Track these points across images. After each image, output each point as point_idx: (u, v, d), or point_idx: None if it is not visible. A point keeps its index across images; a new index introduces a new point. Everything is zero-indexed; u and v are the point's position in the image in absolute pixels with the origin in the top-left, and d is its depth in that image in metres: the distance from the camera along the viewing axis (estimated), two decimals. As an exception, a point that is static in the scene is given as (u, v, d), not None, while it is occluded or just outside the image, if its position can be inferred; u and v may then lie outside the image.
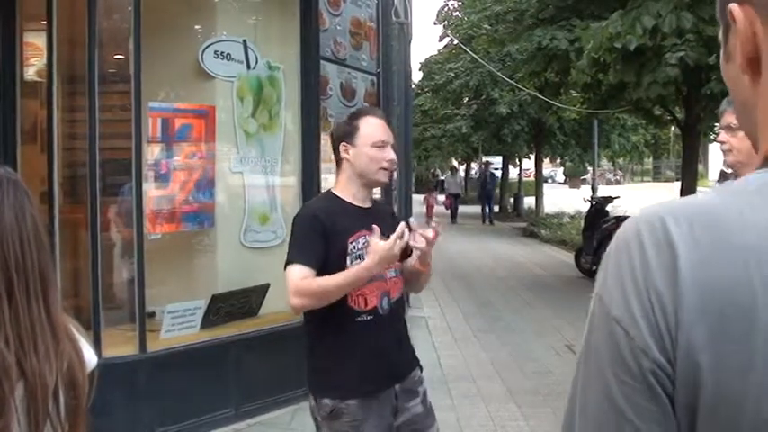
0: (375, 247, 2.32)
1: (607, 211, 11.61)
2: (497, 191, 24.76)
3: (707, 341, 0.59)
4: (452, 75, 21.03)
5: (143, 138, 4.47)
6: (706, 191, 0.74)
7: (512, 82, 16.82)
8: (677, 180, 15.87)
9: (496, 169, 25.61)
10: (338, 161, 2.56)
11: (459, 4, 24.83)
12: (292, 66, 5.37)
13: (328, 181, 5.49)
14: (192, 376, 4.51)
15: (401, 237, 2.34)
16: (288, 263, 2.40)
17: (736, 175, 2.37)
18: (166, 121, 4.72)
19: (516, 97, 19.56)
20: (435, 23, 25.96)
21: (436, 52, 26.54)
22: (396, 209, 6.85)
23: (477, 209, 23.69)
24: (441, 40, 26.31)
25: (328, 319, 2.43)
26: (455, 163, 31.61)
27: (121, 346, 4.39)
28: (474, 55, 18.10)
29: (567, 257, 13.22)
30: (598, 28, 8.63)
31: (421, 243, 2.46)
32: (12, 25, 4.33)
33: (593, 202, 12.09)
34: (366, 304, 2.44)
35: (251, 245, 5.17)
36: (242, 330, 4.91)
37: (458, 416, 4.97)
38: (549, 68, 12.80)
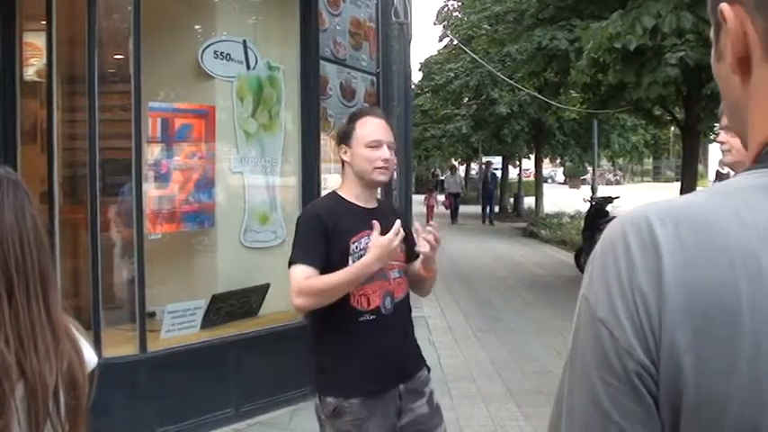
0: (375, 242, 2.35)
1: (607, 212, 11.61)
2: (497, 191, 24.77)
3: (690, 343, 0.58)
4: (452, 75, 21.03)
5: (143, 138, 4.47)
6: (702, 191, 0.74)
7: (512, 82, 16.82)
8: (677, 180, 15.88)
9: (497, 169, 25.61)
10: (342, 162, 2.59)
11: (459, 4, 24.84)
12: (292, 66, 5.38)
13: (328, 181, 5.50)
14: (192, 376, 4.51)
15: (397, 233, 2.36)
16: (291, 263, 2.42)
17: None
18: (166, 121, 4.72)
19: (516, 97, 19.56)
20: (435, 23, 26.02)
21: (436, 52, 26.56)
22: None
23: (477, 209, 23.70)
24: (440, 40, 26.40)
25: (331, 318, 2.44)
26: (455, 163, 31.60)
27: (121, 346, 4.39)
28: (474, 55, 18.11)
29: (567, 257, 13.22)
30: (598, 28, 8.62)
31: (425, 247, 2.48)
32: (12, 25, 4.33)
33: (593, 203, 12.09)
34: (369, 304, 2.44)
35: (251, 245, 5.17)
36: (242, 330, 4.91)
37: (458, 416, 4.97)
38: (549, 68, 12.81)
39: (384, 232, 2.37)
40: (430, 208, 21.42)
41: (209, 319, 4.76)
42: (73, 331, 1.41)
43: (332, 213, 2.48)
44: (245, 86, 5.11)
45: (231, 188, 5.15)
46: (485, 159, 26.31)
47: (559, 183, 45.68)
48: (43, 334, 1.32)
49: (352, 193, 2.54)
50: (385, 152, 2.50)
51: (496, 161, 27.14)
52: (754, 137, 0.68)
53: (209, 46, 4.92)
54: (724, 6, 0.67)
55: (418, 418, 2.52)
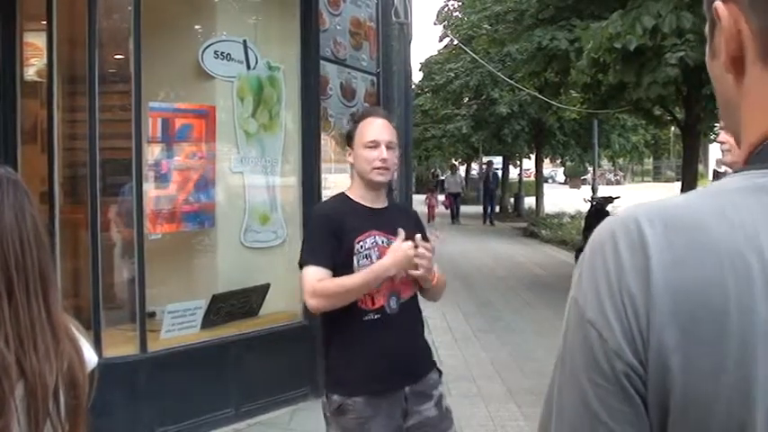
0: (395, 246, 2.40)
1: (607, 212, 11.59)
2: (498, 191, 24.77)
3: (678, 343, 0.58)
4: (452, 75, 21.04)
5: (143, 138, 4.46)
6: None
7: (512, 82, 16.82)
8: (677, 180, 15.88)
9: (498, 169, 25.62)
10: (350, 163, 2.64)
11: (459, 4, 24.83)
12: (292, 66, 5.37)
13: (328, 181, 5.50)
14: (192, 376, 4.51)
15: (416, 246, 2.41)
16: (303, 264, 2.44)
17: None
18: (166, 121, 4.72)
19: (516, 97, 19.57)
20: (435, 23, 26.01)
21: (436, 52, 26.56)
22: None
23: (477, 209, 23.69)
24: (441, 40, 26.38)
25: (337, 317, 2.45)
26: (455, 163, 31.59)
27: (122, 346, 4.39)
28: (474, 55, 18.10)
29: (568, 257, 13.22)
30: (598, 28, 8.62)
31: (422, 261, 2.46)
32: (12, 25, 4.33)
33: (594, 203, 12.10)
34: (373, 303, 2.45)
35: (251, 245, 5.17)
36: (242, 330, 4.91)
37: (458, 416, 4.93)
38: (549, 68, 12.80)
39: (393, 231, 2.41)
40: (431, 208, 21.43)
41: (210, 319, 4.76)
42: (73, 331, 1.41)
43: (339, 213, 2.51)
44: (245, 86, 5.10)
45: (231, 188, 5.15)
46: (486, 159, 26.31)
47: (560, 183, 45.65)
48: (43, 333, 1.32)
49: (358, 194, 2.57)
50: (382, 152, 2.50)
51: (497, 161, 27.15)
52: (746, 137, 0.68)
53: (209, 46, 4.92)
54: (718, 4, 0.67)
55: (426, 421, 2.51)
